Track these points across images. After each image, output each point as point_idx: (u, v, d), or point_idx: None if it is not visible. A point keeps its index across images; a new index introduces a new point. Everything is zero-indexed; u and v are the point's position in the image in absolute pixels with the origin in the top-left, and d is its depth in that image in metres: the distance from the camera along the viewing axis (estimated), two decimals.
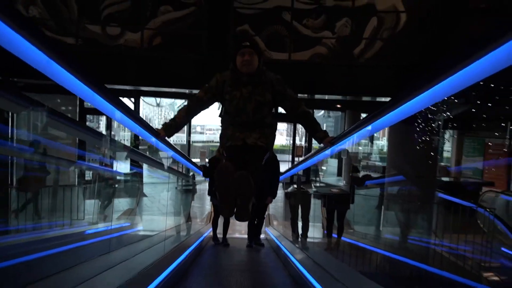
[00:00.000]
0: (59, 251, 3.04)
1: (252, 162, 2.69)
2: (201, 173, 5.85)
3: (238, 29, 6.56)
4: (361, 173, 8.92)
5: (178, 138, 22.47)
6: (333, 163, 20.87)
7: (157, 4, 6.75)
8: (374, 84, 6.40)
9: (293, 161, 15.37)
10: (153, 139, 2.91)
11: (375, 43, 6.36)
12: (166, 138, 2.96)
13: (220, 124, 2.99)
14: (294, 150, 15.44)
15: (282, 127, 22.97)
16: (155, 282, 2.68)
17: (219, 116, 2.98)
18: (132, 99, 12.97)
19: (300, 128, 19.52)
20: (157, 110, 24.12)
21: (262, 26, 6.79)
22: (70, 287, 2.06)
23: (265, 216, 6.12)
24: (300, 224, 5.81)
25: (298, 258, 3.64)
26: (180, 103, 18.55)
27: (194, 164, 5.57)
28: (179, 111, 2.89)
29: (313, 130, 2.88)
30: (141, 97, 13.61)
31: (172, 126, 2.83)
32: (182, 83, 6.90)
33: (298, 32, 6.75)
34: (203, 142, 20.97)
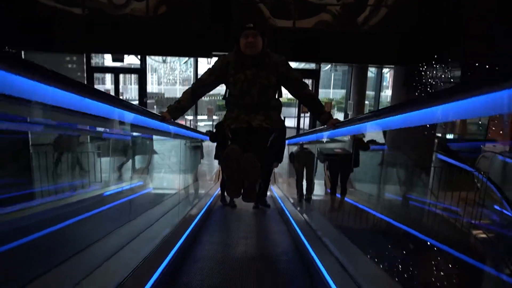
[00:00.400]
0: (83, 217, 3.36)
1: (257, 143, 2.71)
2: (208, 138, 6.07)
3: None
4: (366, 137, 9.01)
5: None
6: (338, 115, 21.02)
7: None
8: (378, 51, 6.41)
9: (298, 116, 15.57)
10: (170, 127, 3.12)
11: (380, 10, 6.27)
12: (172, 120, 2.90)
13: (225, 105, 3.01)
14: (300, 106, 15.50)
15: None
16: (173, 250, 3.04)
17: (223, 98, 2.98)
18: (139, 56, 13.06)
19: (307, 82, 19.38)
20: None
21: None
22: (101, 261, 2.38)
23: (270, 178, 6.37)
24: (304, 185, 5.93)
25: (299, 225, 3.99)
26: (185, 58, 18.43)
27: (200, 132, 5.79)
28: (184, 93, 2.88)
29: (318, 112, 2.88)
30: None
31: (178, 109, 2.83)
32: (186, 51, 6.99)
33: None
34: (209, 95, 20.67)
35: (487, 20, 5.68)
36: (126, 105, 2.30)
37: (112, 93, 13.45)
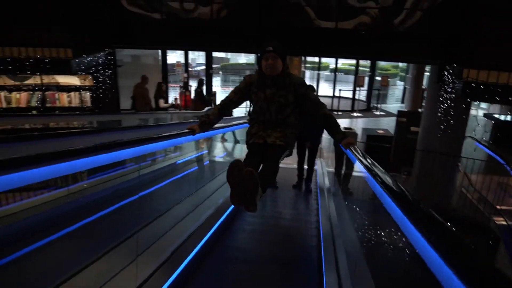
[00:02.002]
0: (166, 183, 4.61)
1: (268, 157, 2.91)
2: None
3: (291, 0, 7.17)
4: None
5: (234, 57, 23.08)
6: (400, 86, 20.66)
7: None
8: (413, 50, 6.91)
9: (354, 89, 15.93)
10: None
11: (415, 14, 6.62)
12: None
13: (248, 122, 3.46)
14: (356, 80, 15.80)
15: None
16: (222, 217, 4.21)
17: (248, 114, 3.24)
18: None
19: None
20: None
21: None
22: (173, 224, 3.45)
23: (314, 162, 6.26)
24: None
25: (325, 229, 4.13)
26: None
27: (238, 123, 6.47)
28: (214, 109, 3.16)
29: (333, 132, 3.04)
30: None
31: (207, 123, 3.12)
32: (242, 47, 8.20)
33: (345, 2, 7.15)
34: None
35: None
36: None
37: (182, 61, 15.50)
